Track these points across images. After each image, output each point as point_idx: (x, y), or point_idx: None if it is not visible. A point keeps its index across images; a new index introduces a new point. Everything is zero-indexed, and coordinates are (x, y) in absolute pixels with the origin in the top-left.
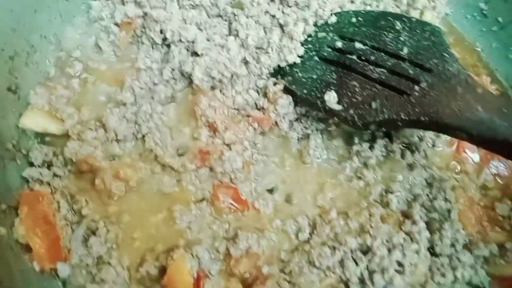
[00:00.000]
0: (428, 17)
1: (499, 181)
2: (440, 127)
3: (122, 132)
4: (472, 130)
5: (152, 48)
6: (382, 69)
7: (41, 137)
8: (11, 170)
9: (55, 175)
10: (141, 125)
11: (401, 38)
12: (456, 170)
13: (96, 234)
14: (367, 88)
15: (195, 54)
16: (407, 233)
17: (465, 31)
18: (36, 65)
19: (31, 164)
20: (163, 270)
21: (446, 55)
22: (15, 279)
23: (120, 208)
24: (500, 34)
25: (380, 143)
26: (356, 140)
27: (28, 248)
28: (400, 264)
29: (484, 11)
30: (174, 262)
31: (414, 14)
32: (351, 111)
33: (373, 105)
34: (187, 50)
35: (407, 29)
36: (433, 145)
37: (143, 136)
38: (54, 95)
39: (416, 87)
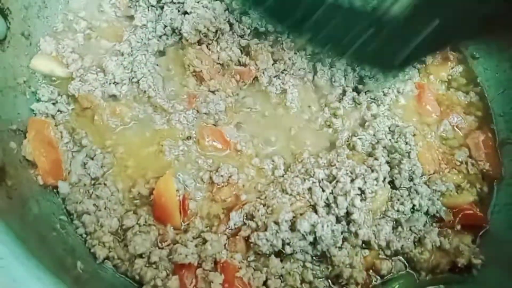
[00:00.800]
0: None
1: (459, 132)
2: None
3: (119, 75)
4: None
5: (148, 9)
6: None
7: (49, 78)
8: (21, 101)
9: (59, 110)
10: (136, 71)
11: None
12: (417, 121)
13: (94, 159)
14: None
15: (185, 13)
16: (369, 166)
17: None
18: (46, 19)
19: (39, 100)
20: (152, 192)
21: None
22: (23, 185)
23: (116, 142)
24: None
25: (349, 95)
26: (326, 93)
27: (34, 165)
28: (361, 190)
29: None
30: (162, 179)
31: None
32: None
33: None
34: (178, 10)
35: None
36: (397, 100)
37: (138, 80)
38: (61, 45)
39: None
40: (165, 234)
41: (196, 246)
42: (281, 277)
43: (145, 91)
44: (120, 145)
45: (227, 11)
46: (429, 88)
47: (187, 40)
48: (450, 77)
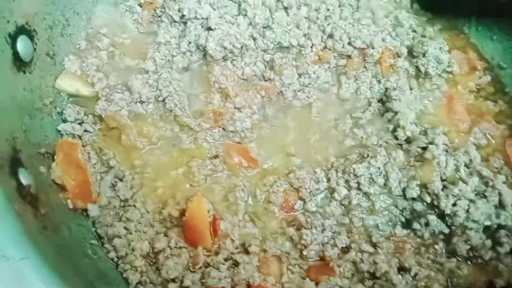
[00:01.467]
0: None
1: (492, 140)
2: None
3: (145, 94)
4: None
5: (171, 25)
6: None
7: (74, 97)
8: (48, 123)
9: (85, 130)
10: (161, 90)
11: None
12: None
13: (122, 181)
14: None
15: (209, 29)
16: None
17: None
18: (70, 37)
19: (65, 120)
20: (183, 213)
21: None
22: (54, 211)
23: (144, 162)
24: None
25: (374, 107)
26: (351, 105)
27: (63, 189)
28: None
29: None
30: (193, 200)
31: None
32: None
33: None
34: (202, 26)
35: None
36: (425, 108)
37: (164, 99)
38: (85, 63)
39: None
40: (197, 257)
41: (228, 269)
42: None
43: (171, 110)
44: (148, 165)
45: (250, 25)
46: (457, 97)
47: (211, 57)
48: (478, 87)
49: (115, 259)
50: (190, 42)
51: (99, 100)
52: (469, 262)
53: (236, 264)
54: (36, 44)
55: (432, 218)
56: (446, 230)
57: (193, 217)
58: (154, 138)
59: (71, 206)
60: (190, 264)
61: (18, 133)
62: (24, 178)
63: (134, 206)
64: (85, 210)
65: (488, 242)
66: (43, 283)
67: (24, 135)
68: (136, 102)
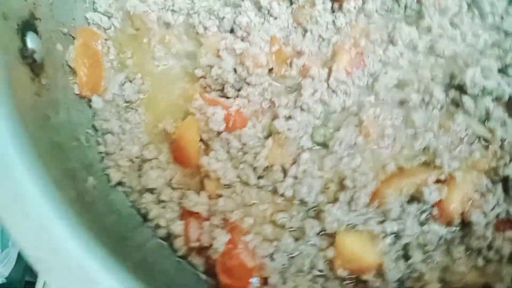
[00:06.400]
0: None
1: None
2: None
3: (178, 4)
4: None
5: None
6: None
7: None
8: (80, 7)
9: (112, 25)
10: (195, 3)
11: None
12: None
13: (132, 82)
14: None
15: None
16: None
17: None
18: None
19: (95, 10)
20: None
21: None
22: (58, 88)
23: (156, 71)
24: None
25: None
26: None
27: (74, 73)
28: None
29: None
30: (187, 120)
31: None
32: None
33: None
34: None
35: None
36: None
37: (193, 14)
38: None
39: None
40: (181, 179)
41: (209, 198)
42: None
43: (194, 26)
44: (159, 75)
45: None
46: None
47: None
48: None
49: (103, 154)
50: None
51: None
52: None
53: (219, 195)
54: None
55: None
56: None
57: (183, 136)
58: (174, 49)
59: (77, 92)
60: (173, 182)
61: (42, 2)
62: (32, 42)
63: (136, 110)
64: (90, 100)
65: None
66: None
67: (50, 8)
68: (167, 10)
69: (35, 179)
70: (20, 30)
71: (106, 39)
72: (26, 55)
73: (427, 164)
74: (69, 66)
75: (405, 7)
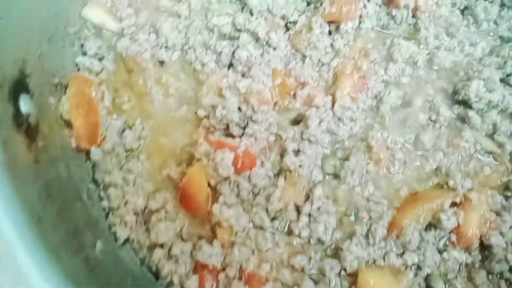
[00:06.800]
0: None
1: None
2: None
3: (172, 40)
4: None
5: None
6: None
7: (99, 30)
8: (68, 53)
9: (104, 68)
10: (189, 38)
11: None
12: None
13: (131, 129)
14: None
15: None
16: None
17: None
18: None
19: (85, 54)
20: (183, 176)
21: None
22: (55, 144)
23: (156, 113)
24: None
25: None
26: None
27: (69, 125)
28: None
29: None
30: (194, 166)
31: None
32: None
33: None
34: None
35: None
36: None
37: (188, 49)
38: None
39: None
40: (191, 227)
41: (222, 246)
42: None
43: (191, 63)
44: (160, 118)
45: None
46: None
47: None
48: None
49: (107, 210)
50: None
51: (122, 37)
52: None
53: (232, 244)
54: None
55: None
56: None
57: (191, 184)
58: (172, 89)
59: (74, 145)
60: (183, 233)
61: (31, 56)
62: (25, 105)
63: (138, 157)
64: (88, 152)
65: None
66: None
67: (39, 60)
68: (161, 47)
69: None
70: (12, 95)
71: (99, 84)
72: (20, 122)
73: (440, 186)
74: (64, 119)
75: (401, 21)
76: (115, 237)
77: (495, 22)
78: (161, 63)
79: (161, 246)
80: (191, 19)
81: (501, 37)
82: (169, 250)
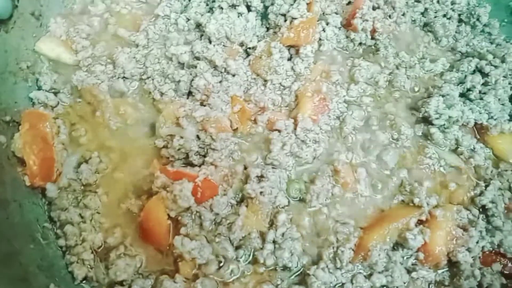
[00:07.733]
0: None
1: None
2: None
3: (129, 70)
4: None
5: None
6: None
7: (54, 64)
8: (21, 88)
9: (60, 101)
10: (148, 67)
11: None
12: None
13: (88, 163)
14: None
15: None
16: None
17: None
18: None
19: (40, 88)
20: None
21: None
22: (6, 185)
23: (114, 145)
24: None
25: None
26: None
27: (22, 163)
28: None
29: None
30: (153, 200)
31: None
32: None
33: None
34: (207, 4)
35: None
36: None
37: (147, 78)
38: (73, 28)
39: None
40: (153, 261)
41: (185, 281)
42: None
43: (150, 92)
44: (117, 150)
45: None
46: None
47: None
48: None
49: (64, 248)
50: (189, 19)
51: (78, 70)
52: None
53: (195, 277)
54: (18, 1)
55: None
56: None
57: (150, 218)
58: (130, 120)
59: (28, 183)
60: (143, 268)
61: None
62: None
63: (95, 192)
64: (43, 189)
65: None
66: None
67: None
68: (118, 78)
69: None
70: None
71: (55, 118)
72: None
73: (406, 204)
74: (17, 157)
75: (360, 43)
76: (72, 277)
77: (454, 38)
78: (120, 93)
79: (121, 283)
80: (149, 48)
81: (460, 52)
82: (129, 287)
